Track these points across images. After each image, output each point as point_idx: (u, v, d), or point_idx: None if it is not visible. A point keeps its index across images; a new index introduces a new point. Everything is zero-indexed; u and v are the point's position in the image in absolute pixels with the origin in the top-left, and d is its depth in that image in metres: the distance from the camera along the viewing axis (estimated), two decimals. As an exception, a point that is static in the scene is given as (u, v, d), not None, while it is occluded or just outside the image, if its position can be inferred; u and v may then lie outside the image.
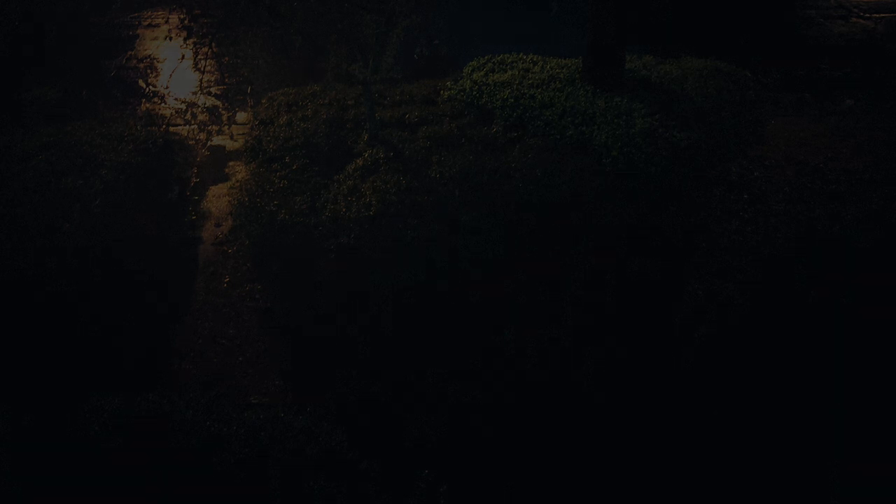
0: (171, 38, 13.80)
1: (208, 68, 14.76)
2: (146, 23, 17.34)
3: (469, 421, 7.79)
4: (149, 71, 15.12)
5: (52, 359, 8.20)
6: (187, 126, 13.24)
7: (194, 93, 14.12)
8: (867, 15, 16.69)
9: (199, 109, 13.64)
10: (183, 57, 15.24)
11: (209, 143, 12.82)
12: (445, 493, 6.55)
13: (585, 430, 7.76)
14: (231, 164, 12.33)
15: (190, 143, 12.76)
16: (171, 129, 13.10)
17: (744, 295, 8.78)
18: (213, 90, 14.34)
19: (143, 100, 14.10)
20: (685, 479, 7.36)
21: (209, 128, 13.17)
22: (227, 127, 13.20)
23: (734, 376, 8.15)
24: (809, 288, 8.73)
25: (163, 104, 13.96)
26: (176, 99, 14.04)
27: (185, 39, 9.82)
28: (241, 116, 13.52)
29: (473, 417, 7.81)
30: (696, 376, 8.21)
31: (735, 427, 7.75)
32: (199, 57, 9.77)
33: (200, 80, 12.33)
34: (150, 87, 14.55)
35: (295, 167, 9.82)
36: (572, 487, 7.32)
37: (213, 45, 9.58)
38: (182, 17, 9.84)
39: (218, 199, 11.50)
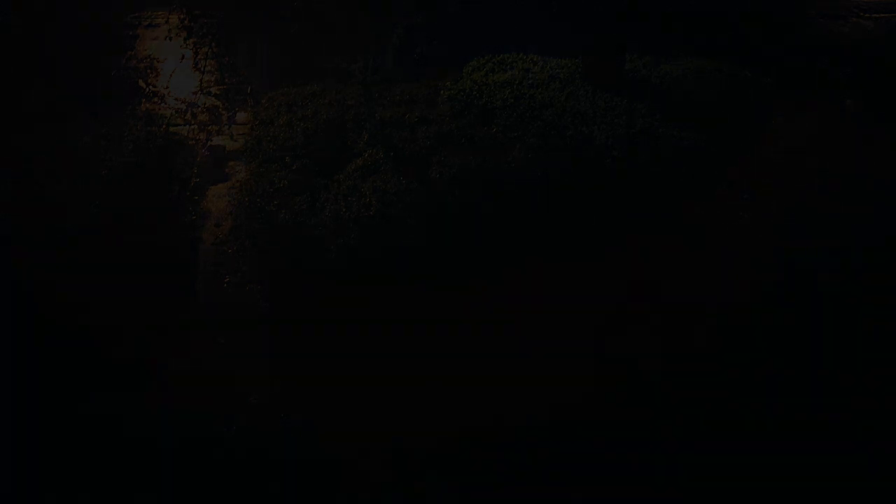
0: (171, 38, 13.77)
1: (208, 68, 14.75)
2: (146, 23, 17.33)
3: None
4: (149, 71, 15.11)
5: (50, 359, 8.19)
6: (187, 126, 13.23)
7: (194, 93, 14.10)
8: (867, 15, 16.69)
9: (199, 109, 13.63)
10: (183, 57, 15.22)
11: (209, 143, 12.80)
12: (446, 493, 6.56)
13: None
14: (231, 164, 12.32)
15: (190, 143, 12.75)
16: (171, 129, 13.09)
17: (742, 296, 8.78)
18: (213, 90, 14.32)
19: (143, 100, 14.08)
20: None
21: (209, 128, 13.16)
22: (227, 127, 13.19)
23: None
24: (809, 288, 8.74)
25: (163, 104, 13.94)
26: (176, 99, 14.02)
27: (185, 39, 9.84)
28: (241, 116, 13.50)
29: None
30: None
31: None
32: (199, 57, 9.79)
33: (200, 80, 12.32)
34: (150, 87, 14.53)
35: (295, 167, 9.82)
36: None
37: (213, 45, 9.60)
38: (182, 17, 9.86)
39: (218, 199, 11.49)
